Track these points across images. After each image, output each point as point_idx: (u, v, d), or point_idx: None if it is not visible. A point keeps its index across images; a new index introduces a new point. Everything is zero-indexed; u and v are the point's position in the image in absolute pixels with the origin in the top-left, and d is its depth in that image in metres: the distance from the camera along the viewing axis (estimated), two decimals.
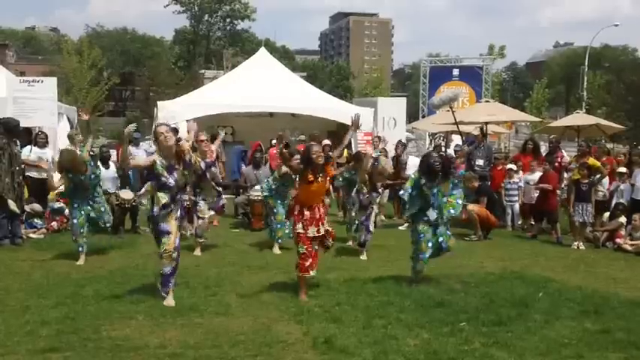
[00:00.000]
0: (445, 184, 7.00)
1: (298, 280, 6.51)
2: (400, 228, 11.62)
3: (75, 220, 8.20)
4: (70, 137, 9.59)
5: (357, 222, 9.05)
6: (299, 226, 6.41)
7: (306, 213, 6.42)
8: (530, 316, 5.92)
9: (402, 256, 8.82)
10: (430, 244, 6.96)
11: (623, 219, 10.42)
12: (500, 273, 7.76)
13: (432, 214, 6.93)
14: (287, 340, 5.10)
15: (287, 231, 8.93)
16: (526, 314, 5.97)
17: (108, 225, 8.76)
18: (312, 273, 6.46)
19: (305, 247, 6.39)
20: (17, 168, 9.14)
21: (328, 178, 6.74)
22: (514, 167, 12.13)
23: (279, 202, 9.40)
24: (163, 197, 6.10)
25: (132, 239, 9.68)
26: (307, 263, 6.39)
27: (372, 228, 9.07)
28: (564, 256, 9.39)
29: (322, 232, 6.49)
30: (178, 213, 6.27)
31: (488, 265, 8.39)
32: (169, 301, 6.06)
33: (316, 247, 6.53)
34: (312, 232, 6.41)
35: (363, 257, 8.79)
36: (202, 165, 8.52)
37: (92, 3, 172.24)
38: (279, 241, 9.24)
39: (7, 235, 9.01)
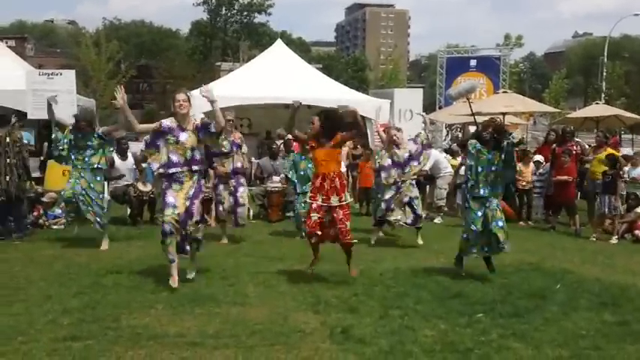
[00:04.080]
0: (497, 155, 6.92)
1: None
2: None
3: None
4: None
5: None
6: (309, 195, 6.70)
7: (317, 181, 6.64)
8: (548, 307, 5.90)
9: (418, 248, 8.84)
10: (480, 222, 6.94)
11: None
12: (517, 265, 7.73)
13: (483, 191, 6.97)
14: (304, 329, 5.13)
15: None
16: (543, 306, 5.95)
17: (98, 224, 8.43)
18: (312, 240, 6.62)
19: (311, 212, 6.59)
20: (17, 159, 9.00)
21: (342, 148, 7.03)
22: (541, 159, 11.88)
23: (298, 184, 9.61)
24: (165, 155, 6.34)
25: (150, 230, 9.75)
26: (311, 221, 6.53)
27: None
28: (582, 248, 9.33)
29: (333, 202, 6.56)
30: (191, 192, 6.34)
31: (506, 256, 8.31)
32: (172, 281, 6.24)
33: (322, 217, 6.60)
34: (319, 199, 6.58)
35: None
36: (228, 145, 8.91)
37: None
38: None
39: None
